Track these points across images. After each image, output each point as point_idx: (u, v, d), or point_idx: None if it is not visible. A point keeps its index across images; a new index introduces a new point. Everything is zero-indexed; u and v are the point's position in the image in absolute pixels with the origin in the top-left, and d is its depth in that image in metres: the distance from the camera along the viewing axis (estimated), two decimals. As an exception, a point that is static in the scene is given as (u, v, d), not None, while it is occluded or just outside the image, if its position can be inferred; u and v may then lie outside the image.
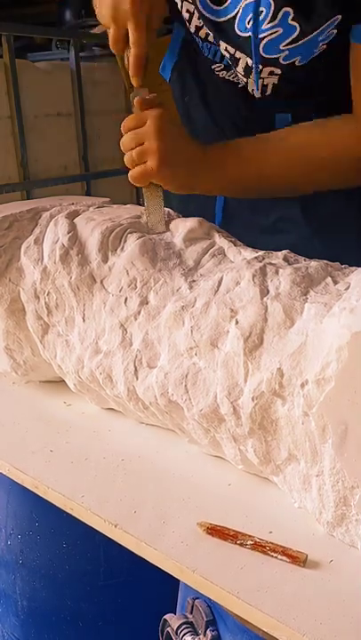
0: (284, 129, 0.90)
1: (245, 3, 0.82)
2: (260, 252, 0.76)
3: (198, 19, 0.89)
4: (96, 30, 2.98)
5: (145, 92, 0.86)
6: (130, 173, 0.85)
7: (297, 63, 0.84)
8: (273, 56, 0.84)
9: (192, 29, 0.92)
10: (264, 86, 0.88)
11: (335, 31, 0.81)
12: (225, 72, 0.94)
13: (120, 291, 0.75)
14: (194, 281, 0.73)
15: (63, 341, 0.79)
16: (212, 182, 0.89)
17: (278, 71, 0.85)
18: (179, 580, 0.63)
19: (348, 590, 0.53)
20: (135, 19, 0.81)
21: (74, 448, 0.75)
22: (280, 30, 0.81)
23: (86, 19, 3.23)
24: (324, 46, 0.83)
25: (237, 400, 0.62)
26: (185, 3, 0.89)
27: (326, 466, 0.57)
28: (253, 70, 0.86)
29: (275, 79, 0.87)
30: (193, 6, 0.88)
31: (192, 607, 0.68)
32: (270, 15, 0.81)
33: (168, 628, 0.71)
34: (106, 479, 0.69)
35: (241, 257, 0.76)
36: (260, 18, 0.81)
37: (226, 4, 0.84)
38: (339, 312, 0.59)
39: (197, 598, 0.68)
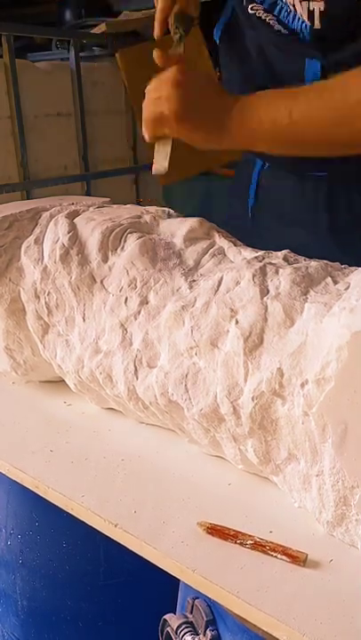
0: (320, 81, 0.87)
1: None
2: (260, 252, 0.76)
3: None
4: (96, 30, 2.98)
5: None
6: (143, 124, 0.85)
7: None
8: None
9: None
10: (311, 12, 0.85)
11: None
12: (264, 12, 0.92)
13: (120, 290, 0.75)
14: (194, 281, 0.73)
15: (63, 341, 0.79)
16: (241, 133, 0.85)
17: None
18: (179, 580, 0.63)
19: (348, 590, 0.53)
20: None
21: (74, 448, 0.75)
22: None
23: (86, 19, 3.22)
24: None
25: (237, 400, 0.62)
26: None
27: (326, 465, 0.57)
28: None
29: (321, 4, 0.84)
30: None
31: (192, 607, 0.68)
32: None
33: (168, 628, 0.71)
34: (106, 479, 0.69)
35: (241, 257, 0.76)
36: None
37: None
38: (339, 312, 0.59)
39: (197, 598, 0.68)
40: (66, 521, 0.69)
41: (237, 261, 0.75)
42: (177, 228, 0.82)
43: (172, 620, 0.70)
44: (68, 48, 2.89)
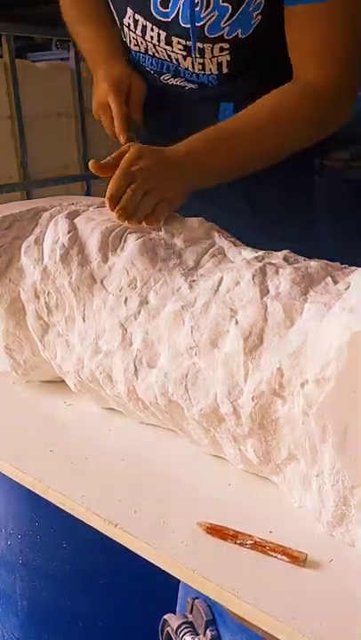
0: (243, 111, 0.97)
1: (182, 1, 0.96)
2: (260, 252, 0.76)
3: (139, 31, 1.02)
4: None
5: None
6: (148, 220, 0.85)
7: (240, 35, 0.95)
8: (217, 34, 0.96)
9: (132, 47, 1.06)
10: (220, 64, 0.99)
11: (262, 0, 0.93)
12: (173, 79, 1.06)
13: (120, 290, 0.75)
14: (194, 281, 0.73)
15: (63, 341, 0.79)
16: (204, 178, 0.93)
17: (226, 45, 0.96)
18: (179, 580, 0.63)
19: (348, 590, 0.53)
20: (113, 91, 1.01)
21: (74, 448, 0.75)
22: (216, 13, 0.95)
23: (86, 19, 3.22)
24: (259, 16, 0.94)
25: (237, 400, 0.62)
26: (133, 15, 1.01)
27: (326, 465, 0.57)
28: (192, 49, 0.98)
29: (227, 56, 0.98)
30: (142, 16, 1.00)
31: (192, 607, 0.68)
32: (205, 4, 0.94)
33: (168, 628, 0.71)
34: (106, 479, 0.69)
35: (241, 257, 0.76)
36: (197, 9, 0.95)
37: (169, 5, 0.98)
38: (339, 312, 0.59)
39: (197, 598, 0.68)
40: (66, 521, 0.69)
41: (237, 261, 0.75)
42: (177, 228, 0.83)
43: (172, 620, 0.70)
44: (68, 48, 2.89)
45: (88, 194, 2.93)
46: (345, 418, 0.55)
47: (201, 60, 1.00)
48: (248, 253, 0.76)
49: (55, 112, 2.86)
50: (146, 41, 1.03)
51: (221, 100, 1.04)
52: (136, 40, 1.04)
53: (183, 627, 0.69)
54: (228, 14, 0.94)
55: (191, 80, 1.04)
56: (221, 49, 0.97)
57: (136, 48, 1.06)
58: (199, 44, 0.98)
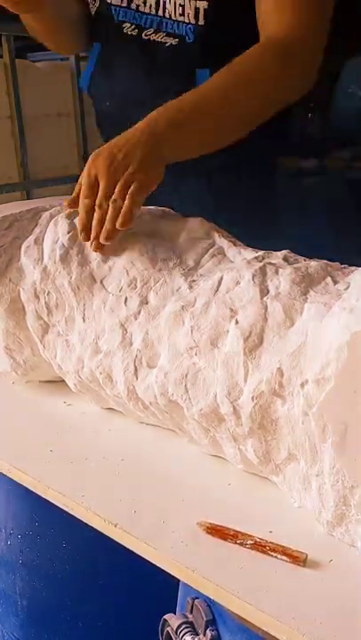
0: (209, 79, 0.92)
1: None
2: (260, 252, 0.76)
3: None
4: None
5: None
6: (118, 222, 0.79)
7: None
8: None
9: (113, 2, 1.04)
10: (197, 10, 0.97)
11: None
12: (154, 34, 1.03)
13: (120, 290, 0.75)
14: (194, 281, 0.73)
15: (63, 341, 0.79)
16: (176, 147, 0.86)
17: None
18: (179, 580, 0.63)
19: (348, 590, 0.53)
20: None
21: (74, 448, 0.75)
22: None
23: (86, 19, 3.23)
24: None
25: (237, 400, 0.62)
26: None
27: (326, 465, 0.57)
28: None
29: (205, 4, 0.96)
30: None
31: (192, 607, 0.68)
32: None
33: (168, 628, 0.71)
34: (106, 479, 0.69)
35: (241, 257, 0.76)
36: None
37: None
38: (339, 312, 0.59)
39: (197, 598, 0.68)
40: (66, 521, 0.69)
41: (237, 261, 0.75)
42: (177, 228, 0.83)
43: (172, 620, 0.70)
44: (67, 48, 2.88)
45: (88, 194, 2.93)
46: (345, 418, 0.55)
47: (181, 2, 0.97)
48: (248, 253, 0.76)
49: (55, 112, 2.86)
50: None
51: (198, 65, 0.99)
52: None
53: (183, 627, 0.69)
54: None
55: (172, 33, 1.01)
56: None
57: (118, 2, 1.04)
58: None
